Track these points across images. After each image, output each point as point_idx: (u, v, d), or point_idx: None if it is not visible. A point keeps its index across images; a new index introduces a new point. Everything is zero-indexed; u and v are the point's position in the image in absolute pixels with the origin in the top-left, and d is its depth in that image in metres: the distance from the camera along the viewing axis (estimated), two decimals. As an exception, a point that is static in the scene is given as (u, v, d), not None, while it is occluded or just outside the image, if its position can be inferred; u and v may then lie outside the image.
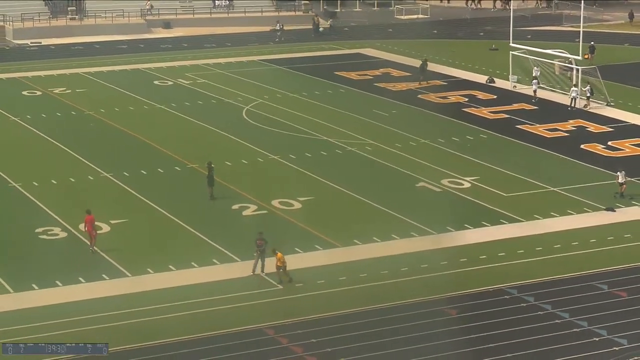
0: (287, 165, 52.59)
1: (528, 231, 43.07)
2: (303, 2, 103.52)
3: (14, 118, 62.93)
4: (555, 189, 48.43)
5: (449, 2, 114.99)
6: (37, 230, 43.13)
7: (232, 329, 33.94)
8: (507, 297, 36.54)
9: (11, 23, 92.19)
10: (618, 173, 47.68)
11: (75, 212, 43.90)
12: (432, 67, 74.09)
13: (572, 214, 45.19)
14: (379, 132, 58.69)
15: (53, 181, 50.04)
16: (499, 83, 71.74)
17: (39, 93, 70.31)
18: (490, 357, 32.02)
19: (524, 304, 35.86)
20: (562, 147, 55.58)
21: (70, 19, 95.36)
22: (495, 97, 68.04)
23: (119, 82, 73.19)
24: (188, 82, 73.27)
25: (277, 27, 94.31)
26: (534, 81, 67.79)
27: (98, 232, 41.36)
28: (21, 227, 43.94)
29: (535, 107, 64.99)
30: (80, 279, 38.14)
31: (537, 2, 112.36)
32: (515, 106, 65.23)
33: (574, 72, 66.52)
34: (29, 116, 63.04)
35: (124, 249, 41.26)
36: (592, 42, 76.67)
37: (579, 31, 67.64)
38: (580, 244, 41.59)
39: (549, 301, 35.93)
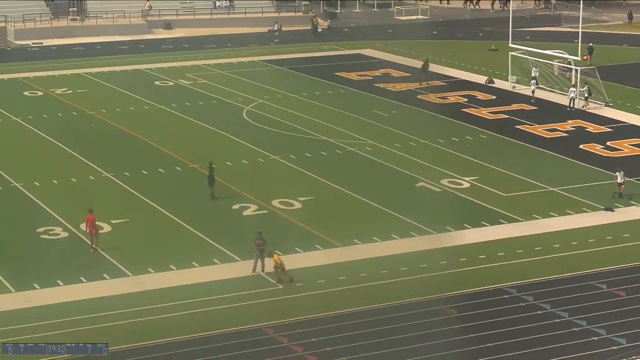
0: (288, 165, 52.74)
1: (527, 231, 43.21)
2: (303, 3, 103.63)
3: (15, 118, 63.10)
4: (554, 189, 48.58)
5: (448, 3, 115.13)
6: (38, 230, 43.29)
7: (231, 329, 34.05)
8: (506, 296, 36.66)
9: (13, 24, 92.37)
10: (617, 173, 47.80)
11: (77, 212, 44.06)
12: (432, 67, 74.18)
13: (571, 213, 45.34)
14: (378, 132, 58.85)
15: (54, 181, 50.20)
16: (498, 83, 71.87)
17: (40, 93, 70.48)
18: (489, 357, 32.14)
19: (523, 304, 35.97)
20: (561, 147, 55.73)
21: (72, 19, 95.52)
22: (494, 97, 68.18)
23: (120, 82, 73.35)
24: (189, 82, 73.43)
25: (275, 28, 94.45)
26: (532, 81, 68.00)
27: (99, 232, 41.49)
28: (22, 226, 44.09)
29: (535, 108, 65.14)
30: (82, 278, 38.29)
31: (536, 3, 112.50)
32: (515, 106, 65.38)
33: (573, 72, 66.70)
34: (30, 116, 63.22)
35: (125, 249, 41.40)
36: (590, 44, 76.80)
37: (578, 32, 67.85)
38: (579, 243, 41.73)
39: (548, 300, 36.05)
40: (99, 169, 51.79)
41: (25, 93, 70.67)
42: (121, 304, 36.00)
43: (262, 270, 38.47)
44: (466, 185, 49.21)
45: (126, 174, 51.03)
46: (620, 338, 33.22)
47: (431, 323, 34.26)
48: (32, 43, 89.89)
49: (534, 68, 69.84)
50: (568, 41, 79.74)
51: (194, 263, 39.76)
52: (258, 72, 77.26)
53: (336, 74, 75.77)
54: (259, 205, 46.27)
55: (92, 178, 50.65)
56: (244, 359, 32.24)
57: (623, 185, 47.40)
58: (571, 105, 64.49)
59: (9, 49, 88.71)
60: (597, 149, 55.69)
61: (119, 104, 66.76)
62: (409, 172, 51.14)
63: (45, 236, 42.77)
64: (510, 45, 71.75)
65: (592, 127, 60.13)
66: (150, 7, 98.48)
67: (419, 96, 68.40)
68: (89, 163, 52.92)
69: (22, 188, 49.02)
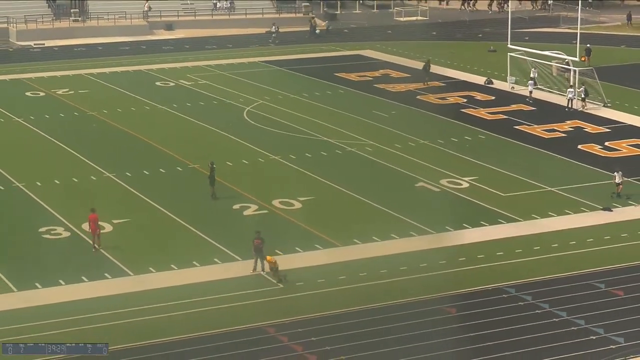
0: (288, 165, 52.91)
1: (526, 231, 43.37)
2: (303, 3, 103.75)
3: (17, 119, 63.23)
4: (552, 189, 48.76)
5: (447, 4, 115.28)
6: (40, 230, 43.44)
7: (231, 328, 34.17)
8: (505, 296, 36.82)
9: (15, 25, 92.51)
10: (615, 173, 47.98)
11: (78, 211, 44.27)
12: (432, 68, 74.34)
13: (569, 213, 45.51)
14: (378, 132, 59.02)
15: (56, 181, 50.36)
16: (497, 84, 72.04)
17: (42, 94, 70.64)
18: (488, 356, 32.29)
19: (522, 303, 36.12)
20: (559, 148, 55.90)
21: (73, 20, 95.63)
22: (493, 98, 68.35)
23: (121, 83, 73.49)
24: (190, 83, 73.58)
25: (273, 29, 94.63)
26: (530, 82, 68.22)
27: (101, 231, 41.67)
28: (24, 226, 44.23)
29: (533, 108, 65.33)
30: (83, 278, 38.45)
31: (534, 4, 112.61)
32: (513, 107, 65.57)
33: (571, 73, 66.90)
34: (32, 117, 63.36)
35: (127, 249, 41.55)
36: (588, 45, 76.96)
37: (576, 33, 68.04)
38: (578, 243, 41.88)
39: (547, 300, 36.19)
40: (101, 169, 51.96)
41: (27, 93, 70.81)
42: (122, 303, 36.14)
43: (263, 270, 38.61)
44: (465, 185, 49.38)
45: (127, 174, 51.21)
46: (618, 337, 33.37)
47: (430, 322, 34.39)
48: (34, 44, 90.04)
49: (532, 69, 70.05)
50: (566, 42, 79.93)
51: (194, 263, 39.91)
52: (258, 72, 77.40)
53: (336, 74, 75.87)
54: (259, 205, 46.43)
55: (94, 178, 50.83)
56: (244, 358, 32.38)
57: (621, 185, 47.58)
58: (569, 106, 64.72)
59: (11, 49, 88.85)
60: (595, 149, 55.87)
61: (120, 104, 66.92)
62: (409, 172, 51.31)
63: (47, 236, 42.93)
64: (509, 46, 71.97)
65: (590, 128, 60.33)
66: (150, 7, 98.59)
67: (418, 97, 68.57)
68: (91, 163, 53.09)
69: (24, 188, 49.19)
